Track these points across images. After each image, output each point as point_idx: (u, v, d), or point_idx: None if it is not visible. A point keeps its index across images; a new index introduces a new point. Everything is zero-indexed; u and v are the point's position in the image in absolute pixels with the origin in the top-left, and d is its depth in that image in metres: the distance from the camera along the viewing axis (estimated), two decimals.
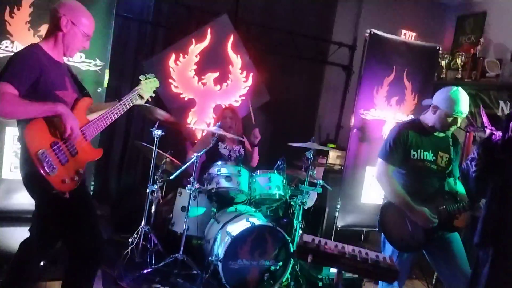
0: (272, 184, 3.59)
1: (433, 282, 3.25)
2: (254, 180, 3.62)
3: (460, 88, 2.65)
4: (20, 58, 2.07)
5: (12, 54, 2.23)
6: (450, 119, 2.63)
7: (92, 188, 3.56)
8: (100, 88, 3.45)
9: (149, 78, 2.65)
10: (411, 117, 4.29)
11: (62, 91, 2.19)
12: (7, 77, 1.98)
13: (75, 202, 2.17)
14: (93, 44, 3.21)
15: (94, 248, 2.31)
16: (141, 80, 2.63)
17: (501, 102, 4.50)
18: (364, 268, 1.74)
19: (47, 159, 2.02)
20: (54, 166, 2.04)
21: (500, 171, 1.83)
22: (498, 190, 1.82)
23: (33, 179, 2.08)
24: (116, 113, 2.42)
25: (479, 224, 1.85)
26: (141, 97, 2.59)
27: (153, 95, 2.70)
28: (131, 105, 2.51)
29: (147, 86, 2.62)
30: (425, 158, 2.68)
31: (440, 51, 4.64)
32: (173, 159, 3.71)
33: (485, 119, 3.62)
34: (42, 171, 1.99)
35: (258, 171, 3.68)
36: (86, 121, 2.29)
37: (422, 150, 2.68)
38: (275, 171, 3.67)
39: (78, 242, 2.27)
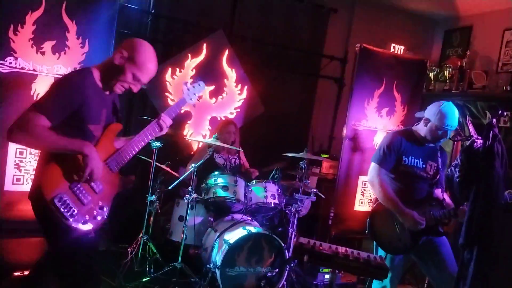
0: (268, 193, 3.69)
1: (425, 287, 3.35)
2: (250, 189, 3.72)
3: (450, 103, 2.81)
4: (66, 86, 1.96)
5: (15, 70, 2.23)
6: (440, 132, 2.78)
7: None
8: None
9: (195, 84, 2.58)
10: (401, 127, 4.44)
11: (94, 125, 2.07)
12: (44, 108, 1.86)
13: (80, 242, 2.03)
14: (95, 61, 3.35)
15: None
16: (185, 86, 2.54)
17: (488, 113, 4.66)
18: (356, 266, 1.85)
19: (65, 204, 1.92)
20: (74, 209, 1.95)
21: (481, 176, 1.96)
22: (480, 194, 1.95)
23: (49, 224, 1.97)
24: (150, 133, 2.27)
25: (463, 226, 1.96)
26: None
27: (196, 101, 2.62)
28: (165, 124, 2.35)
29: (191, 92, 2.53)
30: (415, 165, 2.82)
31: (428, 64, 4.81)
32: (170, 171, 3.81)
33: (471, 129, 3.77)
34: (58, 218, 1.91)
35: (254, 181, 3.78)
36: (113, 150, 2.16)
37: (413, 157, 2.83)
38: (271, 181, 3.77)
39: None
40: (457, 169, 2.06)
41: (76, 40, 3.31)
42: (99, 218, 2.07)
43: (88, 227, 2.01)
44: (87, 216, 2.01)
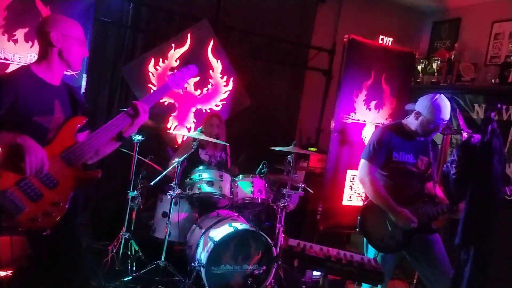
0: (255, 188, 3.60)
1: (414, 283, 3.30)
2: (236, 184, 3.62)
3: (442, 96, 2.72)
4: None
5: None
6: (432, 126, 2.69)
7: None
8: None
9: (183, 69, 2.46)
10: (389, 120, 4.37)
11: (44, 116, 2.00)
12: None
13: (58, 239, 2.00)
14: None
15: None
16: None
17: (476, 105, 4.62)
18: (350, 271, 1.75)
19: (8, 200, 1.85)
20: (20, 206, 1.87)
21: (479, 172, 1.87)
22: (478, 192, 1.86)
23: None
24: (117, 124, 2.13)
25: (459, 225, 1.88)
26: None
27: None
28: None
29: (178, 77, 2.42)
30: (406, 160, 2.73)
31: (417, 56, 4.74)
32: (153, 164, 3.67)
33: (461, 122, 3.72)
34: (4, 215, 1.84)
35: (240, 176, 3.68)
36: (71, 143, 2.05)
37: (403, 153, 2.74)
38: (257, 175, 3.67)
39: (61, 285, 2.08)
40: (453, 166, 1.97)
41: None
42: (54, 214, 1.95)
43: (38, 225, 1.91)
44: (37, 214, 1.91)
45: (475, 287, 1.86)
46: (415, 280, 3.30)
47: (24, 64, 2.09)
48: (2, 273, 2.97)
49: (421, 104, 2.73)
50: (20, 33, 3.04)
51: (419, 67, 5.24)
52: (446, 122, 2.71)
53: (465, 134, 3.69)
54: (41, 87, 2.03)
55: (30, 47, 3.09)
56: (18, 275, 2.25)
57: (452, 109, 4.60)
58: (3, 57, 3.01)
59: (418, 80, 5.24)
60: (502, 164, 1.87)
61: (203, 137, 3.51)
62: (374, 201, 2.72)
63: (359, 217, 2.81)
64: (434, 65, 5.16)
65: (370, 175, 2.72)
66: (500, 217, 2.28)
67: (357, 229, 2.81)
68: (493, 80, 4.48)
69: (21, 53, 3.07)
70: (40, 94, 2.01)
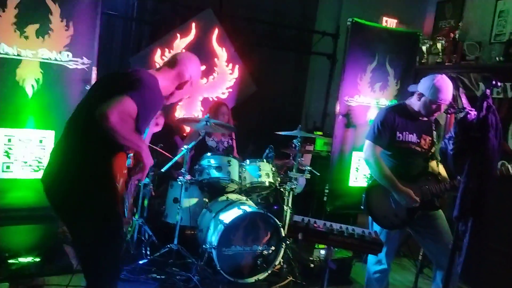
0: (262, 172, 3.68)
1: (420, 259, 3.38)
2: (244, 169, 3.70)
3: (444, 76, 2.76)
4: (151, 89, 1.92)
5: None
6: (434, 106, 2.74)
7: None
8: (88, 86, 3.48)
9: None
10: (394, 102, 4.40)
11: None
12: (136, 96, 1.77)
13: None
14: (81, 43, 3.30)
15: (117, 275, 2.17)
16: None
17: (481, 84, 4.63)
18: (351, 242, 1.84)
19: (126, 200, 1.95)
20: (127, 208, 1.97)
21: (476, 148, 1.94)
22: (475, 166, 1.93)
23: (105, 215, 1.90)
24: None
25: (457, 198, 1.95)
26: None
27: None
28: None
29: None
30: (409, 140, 2.80)
31: (421, 37, 4.74)
32: (164, 152, 3.78)
33: (464, 100, 3.74)
34: (120, 210, 1.90)
35: (248, 161, 3.76)
36: None
37: (407, 133, 2.80)
38: (264, 160, 3.75)
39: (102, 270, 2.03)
40: (451, 142, 2.04)
41: (60, 22, 3.20)
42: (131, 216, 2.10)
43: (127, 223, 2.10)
44: (130, 214, 2.10)
45: (473, 257, 1.94)
46: (420, 256, 3.37)
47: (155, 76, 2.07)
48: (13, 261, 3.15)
49: (423, 85, 2.78)
50: (31, 30, 3.09)
51: (424, 48, 5.24)
52: (448, 102, 2.76)
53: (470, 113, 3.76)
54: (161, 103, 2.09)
55: (41, 43, 3.17)
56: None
57: (456, 88, 4.65)
58: (16, 53, 3.11)
59: (423, 61, 5.25)
60: (498, 139, 1.93)
61: (212, 128, 3.56)
62: (379, 180, 2.79)
63: (363, 195, 2.89)
64: (439, 45, 5.15)
65: (374, 156, 2.79)
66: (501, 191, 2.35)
67: (362, 207, 2.89)
68: (497, 58, 4.48)
69: (32, 49, 3.15)
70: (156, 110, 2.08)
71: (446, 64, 5.02)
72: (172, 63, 2.16)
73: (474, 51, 4.83)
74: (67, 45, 3.25)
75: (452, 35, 5.17)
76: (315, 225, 1.92)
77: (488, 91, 1.92)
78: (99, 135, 1.77)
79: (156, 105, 1.97)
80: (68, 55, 3.26)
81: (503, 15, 4.89)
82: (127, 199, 1.98)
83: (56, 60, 3.22)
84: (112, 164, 1.87)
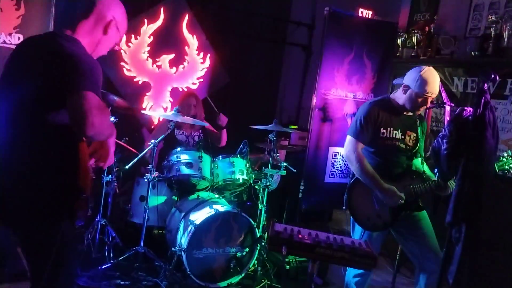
0: (236, 168, 3.51)
1: (397, 258, 3.29)
2: (216, 165, 3.51)
3: (431, 68, 2.64)
4: (89, 63, 1.67)
5: None
6: (420, 99, 2.61)
7: None
8: None
9: None
10: (371, 95, 4.29)
11: None
12: (91, 87, 1.60)
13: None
14: (33, 25, 2.98)
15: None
16: None
17: (456, 79, 4.59)
18: (341, 256, 1.66)
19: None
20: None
21: (471, 147, 1.79)
22: (470, 167, 1.79)
23: (69, 207, 1.70)
24: None
25: (451, 202, 1.81)
26: None
27: None
28: None
29: None
30: (394, 136, 2.66)
31: (398, 29, 4.64)
32: (128, 147, 3.50)
33: (444, 95, 3.66)
34: (88, 199, 1.73)
35: (220, 156, 3.57)
36: None
37: (391, 129, 2.66)
38: (238, 155, 3.57)
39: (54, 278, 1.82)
40: (444, 141, 1.89)
41: (9, 1, 2.87)
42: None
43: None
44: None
45: (466, 265, 1.81)
46: (397, 255, 3.28)
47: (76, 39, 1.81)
48: None
49: (410, 77, 2.64)
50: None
51: (399, 41, 5.16)
52: (435, 95, 2.63)
53: (447, 108, 3.67)
54: None
55: None
56: None
57: None
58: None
59: (398, 54, 5.17)
60: (495, 138, 1.80)
61: (180, 119, 3.34)
62: (361, 178, 2.64)
63: (345, 195, 2.73)
64: (414, 39, 5.07)
65: (356, 152, 2.64)
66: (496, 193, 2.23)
67: (344, 207, 2.74)
68: (472, 53, 4.43)
69: None
70: None
71: (421, 58, 4.95)
72: (87, 9, 1.81)
73: (449, 45, 4.78)
74: (18, 26, 2.93)
75: (427, 28, 5.10)
76: (299, 236, 1.72)
77: (485, 85, 1.77)
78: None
79: (100, 77, 1.70)
80: (19, 37, 2.93)
81: (478, 10, 4.85)
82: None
83: (5, 43, 2.90)
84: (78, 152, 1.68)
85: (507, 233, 3.26)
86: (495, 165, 2.42)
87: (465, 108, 1.95)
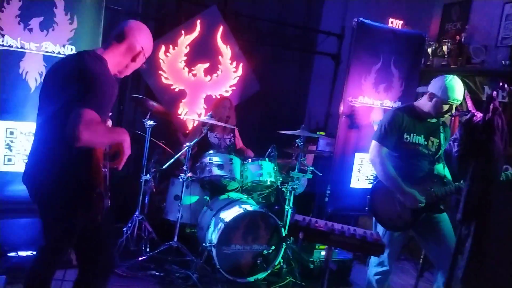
0: (264, 171, 3.66)
1: (421, 262, 3.36)
2: (246, 167, 3.68)
3: (455, 77, 2.74)
4: (105, 82, 1.89)
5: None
6: (446, 106, 2.72)
7: None
8: None
9: None
10: (398, 103, 4.38)
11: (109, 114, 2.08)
12: (94, 105, 1.79)
13: (101, 225, 2.06)
14: (84, 38, 3.29)
15: (109, 268, 2.27)
16: None
17: (486, 88, 4.60)
18: (352, 243, 1.82)
19: (106, 181, 1.97)
20: (107, 189, 1.99)
21: (481, 150, 1.91)
22: (479, 168, 1.90)
23: (87, 202, 1.94)
24: None
25: (461, 201, 1.93)
26: None
27: None
28: None
29: None
30: (417, 142, 2.77)
31: (427, 39, 4.71)
32: (166, 147, 3.77)
33: (469, 103, 3.71)
34: (104, 193, 1.94)
35: (250, 159, 3.74)
36: None
37: (414, 134, 2.78)
38: (266, 159, 3.73)
39: (94, 261, 2.15)
40: (455, 144, 2.02)
41: (64, 16, 3.20)
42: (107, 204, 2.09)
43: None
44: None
45: (475, 261, 1.92)
46: (421, 259, 3.35)
47: (103, 58, 2.02)
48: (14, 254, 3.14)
49: (435, 85, 2.75)
50: (35, 22, 3.10)
51: (429, 50, 5.22)
52: (459, 102, 2.73)
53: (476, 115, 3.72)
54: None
55: (45, 36, 3.17)
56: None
57: None
58: (19, 46, 3.10)
59: (428, 63, 5.22)
60: (504, 142, 1.91)
61: (213, 121, 3.58)
62: (384, 181, 2.76)
63: (368, 196, 2.87)
64: (445, 48, 5.12)
65: (380, 157, 2.76)
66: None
67: (367, 208, 2.87)
68: (503, 62, 4.44)
69: (36, 42, 3.14)
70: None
71: (451, 66, 4.98)
72: (120, 36, 2.06)
73: (480, 54, 4.80)
74: (71, 39, 3.24)
75: (458, 37, 5.13)
76: (316, 224, 1.90)
77: (494, 93, 1.89)
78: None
79: (112, 93, 1.93)
80: (71, 49, 3.24)
81: (510, 19, 4.85)
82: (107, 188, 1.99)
83: (59, 53, 3.20)
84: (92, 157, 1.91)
85: None
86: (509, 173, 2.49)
87: (476, 113, 2.07)
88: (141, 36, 2.10)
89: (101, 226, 2.05)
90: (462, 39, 5.06)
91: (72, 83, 1.87)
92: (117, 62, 2.06)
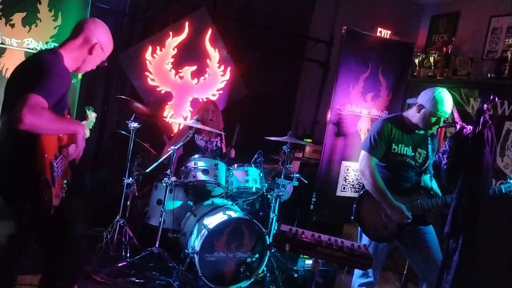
0: (249, 177, 3.61)
1: (405, 273, 3.35)
2: (231, 173, 3.63)
3: (445, 89, 2.74)
4: (54, 70, 1.92)
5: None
6: (434, 119, 2.71)
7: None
8: (74, 80, 3.39)
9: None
10: (385, 113, 4.38)
11: (66, 109, 2.08)
12: (41, 90, 1.82)
13: (59, 218, 2.02)
14: (68, 34, 3.19)
15: (75, 267, 2.18)
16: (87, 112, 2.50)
17: (471, 100, 4.64)
18: (340, 255, 1.78)
19: (55, 170, 1.93)
20: (55, 179, 1.94)
21: (470, 163, 1.89)
22: (468, 182, 1.89)
23: (32, 188, 1.90)
24: None
25: (449, 214, 1.91)
26: None
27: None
28: None
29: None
30: (404, 153, 2.76)
31: (414, 49, 4.73)
32: (150, 149, 3.69)
33: (456, 115, 3.74)
34: (50, 181, 1.88)
35: (235, 165, 3.69)
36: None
37: (402, 145, 2.76)
38: (252, 165, 3.69)
39: (58, 258, 2.08)
40: (445, 156, 2.00)
41: (48, 12, 3.11)
42: (61, 195, 2.06)
43: (56, 202, 1.97)
44: (58, 191, 2.01)
45: (462, 275, 1.89)
46: (405, 270, 3.34)
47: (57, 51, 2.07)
48: None
49: (424, 97, 2.74)
50: (17, 18, 3.03)
51: (416, 60, 5.25)
52: (448, 115, 2.73)
53: (458, 127, 3.74)
54: (70, 80, 2.09)
55: (27, 32, 3.08)
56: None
57: None
58: (0, 42, 2.99)
59: (414, 74, 5.26)
60: (493, 155, 1.90)
61: (199, 125, 3.52)
62: (372, 193, 2.73)
63: (355, 205, 2.84)
64: (431, 59, 5.17)
65: (370, 168, 2.73)
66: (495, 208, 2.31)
67: (352, 218, 2.84)
68: (489, 75, 4.49)
69: (18, 38, 3.06)
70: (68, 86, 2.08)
71: (437, 78, 5.03)
72: (76, 31, 2.14)
73: (466, 66, 4.85)
74: (54, 36, 3.16)
75: (445, 49, 5.19)
76: (303, 236, 1.85)
77: (485, 105, 1.88)
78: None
79: (64, 85, 1.97)
80: (54, 46, 3.14)
81: (496, 33, 4.92)
82: (55, 178, 1.95)
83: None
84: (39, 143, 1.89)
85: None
86: (502, 186, 2.49)
87: (465, 126, 2.06)
88: (97, 29, 2.16)
89: (62, 219, 2.04)
90: (449, 51, 5.12)
91: (26, 74, 1.95)
92: (74, 56, 2.11)
